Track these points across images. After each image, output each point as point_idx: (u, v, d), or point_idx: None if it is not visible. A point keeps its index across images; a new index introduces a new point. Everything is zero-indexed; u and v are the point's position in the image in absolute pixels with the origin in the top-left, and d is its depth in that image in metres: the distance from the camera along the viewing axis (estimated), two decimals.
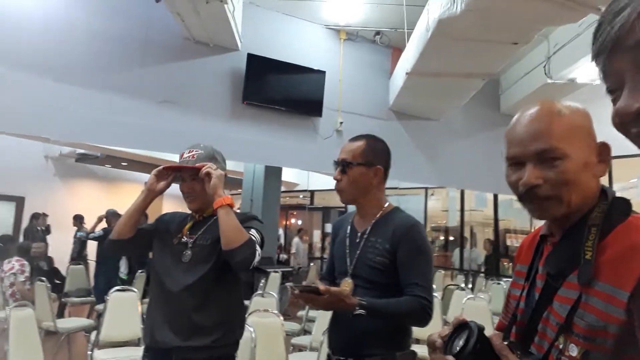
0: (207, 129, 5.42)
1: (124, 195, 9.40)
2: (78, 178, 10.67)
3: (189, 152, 1.83)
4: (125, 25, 5.16)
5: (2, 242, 6.92)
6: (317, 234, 12.08)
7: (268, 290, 5.11)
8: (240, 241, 1.63)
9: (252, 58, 5.65)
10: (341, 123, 6.18)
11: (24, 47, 4.73)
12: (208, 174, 1.73)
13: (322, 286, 1.39)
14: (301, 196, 12.43)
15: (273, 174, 7.40)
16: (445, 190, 9.86)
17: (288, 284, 6.49)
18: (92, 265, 6.41)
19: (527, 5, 3.80)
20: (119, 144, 6.09)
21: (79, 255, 7.40)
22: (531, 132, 0.83)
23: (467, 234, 9.65)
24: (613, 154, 0.85)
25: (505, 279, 6.88)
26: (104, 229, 5.85)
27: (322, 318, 3.49)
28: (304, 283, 1.50)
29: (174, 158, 1.89)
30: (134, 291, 3.77)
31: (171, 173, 1.84)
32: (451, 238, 10.54)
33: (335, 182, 1.67)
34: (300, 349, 3.89)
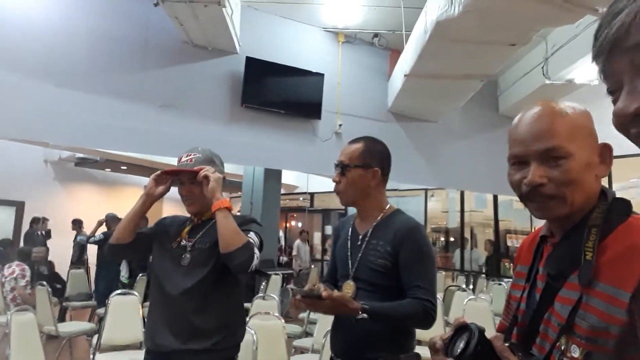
0: (206, 132, 5.43)
1: (123, 199, 9.40)
2: (78, 182, 10.67)
3: (187, 156, 1.83)
4: (124, 30, 5.18)
5: (2, 246, 6.92)
6: (317, 236, 12.08)
7: (269, 292, 5.10)
8: (238, 244, 1.63)
9: (250, 61, 5.66)
10: (340, 125, 6.19)
11: (24, 52, 4.74)
12: (206, 177, 1.73)
13: (324, 292, 1.38)
14: (301, 198, 12.44)
15: (273, 176, 7.40)
16: (445, 192, 9.87)
17: (289, 287, 6.50)
18: (93, 269, 6.41)
19: (525, 7, 3.81)
20: (118, 148, 6.10)
21: (79, 260, 7.40)
22: (535, 131, 0.83)
23: (467, 234, 9.65)
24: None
25: (506, 280, 6.87)
26: (104, 233, 5.85)
27: (324, 320, 3.49)
28: (306, 287, 1.48)
29: (174, 162, 1.90)
30: (135, 295, 3.77)
31: (169, 177, 1.85)
32: (451, 239, 10.54)
33: (334, 184, 1.67)
34: (301, 351, 3.89)
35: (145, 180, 2.00)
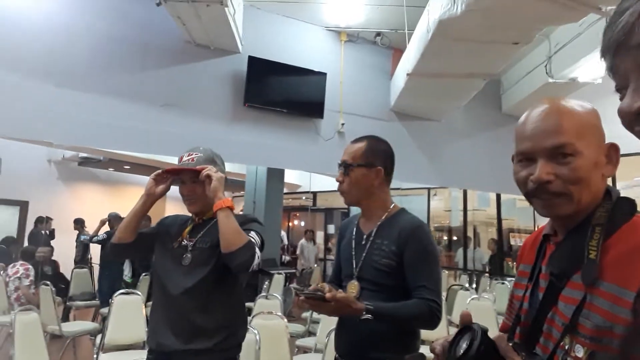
0: (209, 131, 5.43)
1: (126, 198, 9.41)
2: (81, 182, 10.70)
3: (188, 155, 1.83)
4: (127, 29, 5.19)
5: (6, 245, 6.95)
6: (320, 235, 12.07)
7: (272, 292, 5.11)
8: (239, 244, 1.63)
9: (253, 60, 5.66)
10: (343, 124, 6.19)
11: (26, 52, 4.75)
12: (208, 176, 1.73)
13: (328, 293, 1.37)
14: (304, 198, 12.44)
15: (275, 176, 7.40)
16: (448, 191, 9.86)
17: (292, 286, 6.49)
18: (97, 268, 6.43)
19: (528, 5, 3.80)
20: (121, 147, 6.11)
21: (82, 259, 7.42)
22: (544, 127, 0.82)
23: (470, 233, 9.63)
24: None
25: (509, 279, 6.86)
26: (107, 232, 5.86)
27: (327, 320, 3.50)
28: (310, 288, 1.47)
29: (176, 161, 1.90)
30: (138, 294, 3.77)
31: (170, 176, 1.85)
32: (454, 238, 10.53)
33: (338, 184, 1.67)
34: (304, 350, 3.89)
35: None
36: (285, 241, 10.83)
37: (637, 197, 0.85)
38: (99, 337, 3.65)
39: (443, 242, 10.93)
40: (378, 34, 6.40)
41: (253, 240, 1.70)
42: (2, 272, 5.15)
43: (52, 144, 5.39)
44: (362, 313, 1.40)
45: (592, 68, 5.42)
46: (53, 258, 6.52)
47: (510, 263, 8.85)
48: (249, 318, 3.16)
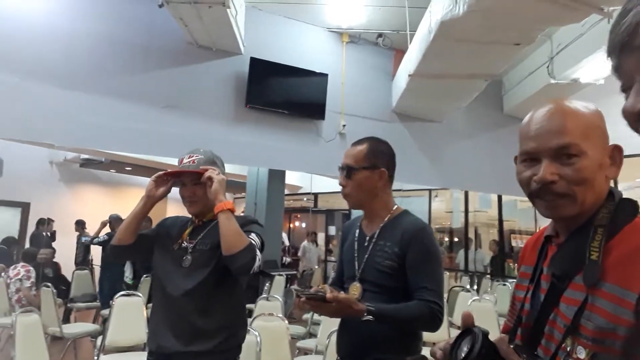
0: (211, 133, 5.44)
1: (128, 200, 9.43)
2: (82, 183, 10.72)
3: (188, 157, 1.82)
4: (128, 31, 5.20)
5: (6, 245, 6.95)
6: (321, 237, 12.06)
7: (273, 293, 5.10)
8: (240, 246, 1.62)
9: (254, 62, 5.67)
10: (344, 126, 6.19)
11: (27, 54, 4.76)
12: (210, 178, 1.73)
13: (329, 294, 1.36)
14: (305, 199, 12.44)
15: (276, 177, 7.40)
16: (449, 192, 9.85)
17: (293, 288, 6.49)
18: (98, 270, 6.43)
19: (530, 6, 3.80)
20: (123, 149, 6.12)
21: (83, 260, 7.43)
22: (549, 127, 0.81)
23: (471, 235, 9.62)
24: None
25: (510, 280, 6.84)
26: (107, 234, 5.86)
27: (328, 321, 3.49)
28: (312, 290, 1.47)
29: (177, 162, 1.90)
30: (139, 296, 3.77)
31: (171, 179, 1.85)
32: (456, 239, 10.52)
33: (340, 186, 1.66)
34: (305, 352, 3.88)
35: None
36: (287, 242, 10.83)
37: (639, 199, 0.84)
38: (99, 338, 3.64)
39: (444, 243, 10.91)
40: (380, 35, 6.40)
41: (254, 242, 1.69)
42: (3, 273, 5.15)
43: (53, 146, 5.40)
44: (363, 314, 1.39)
45: (594, 69, 5.41)
46: (54, 260, 6.52)
47: (511, 264, 8.83)
48: (250, 320, 3.16)
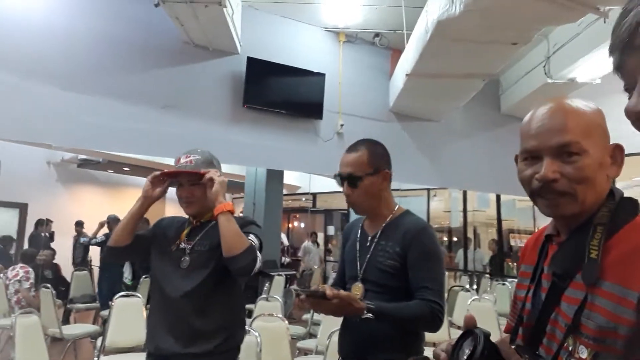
0: (208, 133, 5.43)
1: (126, 201, 9.40)
2: (80, 184, 10.69)
3: (186, 157, 1.81)
4: (125, 31, 5.18)
5: (3, 244, 6.94)
6: (319, 237, 12.08)
7: (272, 294, 5.10)
8: (242, 248, 1.62)
9: (251, 61, 5.66)
10: (342, 125, 6.19)
11: (25, 54, 4.75)
12: (211, 180, 1.72)
13: (329, 291, 1.36)
14: (303, 199, 12.43)
15: (275, 177, 7.40)
16: (448, 191, 9.86)
17: (292, 287, 6.48)
18: (97, 271, 6.42)
19: (526, 5, 3.80)
20: (121, 149, 6.11)
21: (82, 261, 7.42)
22: (550, 126, 0.81)
23: (470, 234, 9.63)
24: None
25: (510, 280, 6.86)
26: (105, 235, 5.85)
27: (328, 321, 3.49)
28: (312, 288, 1.47)
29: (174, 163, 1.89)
30: (138, 297, 3.77)
31: (168, 179, 1.84)
32: (454, 239, 10.53)
33: (345, 196, 1.63)
34: (305, 352, 3.88)
35: None
36: (286, 243, 10.83)
37: (637, 197, 0.85)
38: (99, 339, 3.64)
39: (443, 243, 10.92)
40: (377, 34, 6.41)
41: (253, 243, 1.69)
42: (2, 274, 5.14)
43: (51, 146, 5.39)
44: (363, 312, 1.39)
45: (590, 68, 5.42)
46: (54, 261, 6.52)
47: (510, 264, 8.85)
48: (250, 320, 3.16)
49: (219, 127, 5.57)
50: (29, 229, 8.81)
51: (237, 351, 1.82)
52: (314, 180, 9.97)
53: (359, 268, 1.61)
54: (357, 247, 1.66)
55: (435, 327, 1.48)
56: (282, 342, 3.03)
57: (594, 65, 5.30)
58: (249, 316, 4.01)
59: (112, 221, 6.01)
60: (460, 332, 0.84)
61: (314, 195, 11.60)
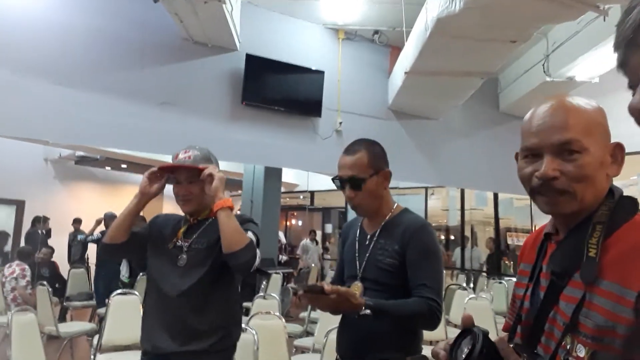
0: (207, 130, 5.41)
1: (124, 198, 9.35)
2: (78, 180, 10.67)
3: (184, 153, 1.80)
4: (123, 27, 5.16)
5: None
6: (317, 235, 12.09)
7: (269, 292, 5.10)
8: (242, 244, 1.62)
9: (250, 58, 5.65)
10: (340, 123, 6.18)
11: (22, 50, 4.72)
12: (210, 175, 1.71)
13: (327, 286, 1.35)
14: (301, 197, 12.43)
15: (273, 174, 7.40)
16: (446, 190, 9.87)
17: (289, 286, 6.46)
18: (94, 268, 6.41)
19: (526, 4, 3.80)
20: (119, 146, 6.10)
21: (80, 259, 7.41)
22: (551, 123, 0.81)
23: (467, 233, 9.65)
24: None
25: (507, 278, 6.87)
26: (102, 232, 5.84)
27: (325, 319, 3.49)
28: (310, 283, 1.46)
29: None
30: (135, 294, 3.76)
31: (165, 174, 1.82)
32: (452, 237, 10.55)
33: (348, 199, 1.61)
34: (302, 350, 3.88)
35: None
36: (283, 240, 10.84)
37: (634, 196, 0.84)
38: (96, 337, 3.63)
39: (441, 241, 10.94)
40: (376, 31, 6.39)
41: (253, 240, 1.69)
42: None
43: (48, 143, 5.37)
44: (361, 308, 1.38)
45: (589, 67, 5.43)
46: (52, 259, 6.51)
47: (507, 262, 8.87)
48: (247, 318, 3.15)
49: (217, 124, 5.55)
50: (26, 226, 8.78)
51: (233, 349, 1.82)
52: (312, 178, 9.97)
53: (358, 267, 1.61)
54: (356, 246, 1.66)
55: (433, 325, 1.48)
56: (279, 340, 3.02)
57: (593, 63, 5.30)
58: (246, 314, 4.01)
59: (109, 218, 6.00)
60: (457, 330, 0.84)
61: (312, 193, 11.60)
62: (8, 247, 8.35)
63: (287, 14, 6.10)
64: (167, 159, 1.90)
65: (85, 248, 7.52)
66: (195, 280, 1.71)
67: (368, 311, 1.38)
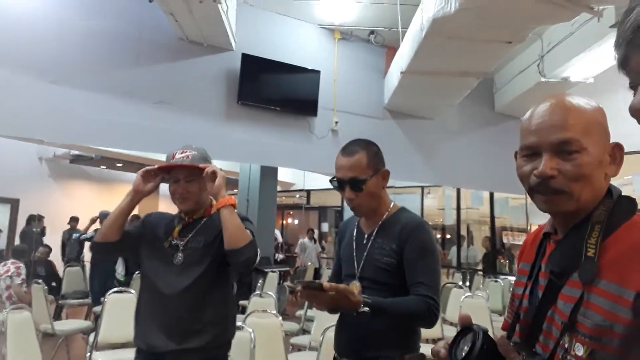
0: (202, 129, 5.41)
1: (119, 197, 9.28)
2: (72, 179, 10.62)
3: (181, 153, 1.80)
4: (119, 25, 5.15)
5: None
6: (315, 233, 12.10)
7: (266, 290, 5.10)
8: (244, 241, 1.64)
9: (246, 58, 5.64)
10: (336, 123, 6.19)
11: (17, 49, 4.70)
12: (214, 172, 1.72)
13: (326, 283, 1.36)
14: (297, 196, 12.44)
15: (269, 174, 7.40)
16: (442, 189, 9.89)
17: (286, 284, 6.47)
18: (89, 266, 6.39)
19: (521, 4, 3.82)
20: (114, 145, 6.08)
21: (77, 257, 7.38)
22: (551, 122, 0.81)
23: (463, 232, 9.67)
24: None
25: (502, 277, 6.90)
26: (95, 230, 5.82)
27: (321, 318, 3.49)
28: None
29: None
30: (131, 292, 3.75)
31: (161, 174, 1.82)
32: (448, 236, 10.58)
33: (348, 200, 1.61)
34: (299, 348, 3.89)
35: None
36: (280, 239, 10.84)
37: (630, 195, 0.85)
38: (92, 335, 3.62)
39: (437, 240, 10.97)
40: (372, 32, 6.40)
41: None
42: None
43: (42, 141, 5.34)
44: (359, 306, 1.38)
45: (584, 67, 5.46)
46: (49, 258, 6.50)
47: (502, 261, 8.90)
48: (244, 316, 3.16)
49: (213, 124, 5.55)
50: (20, 224, 8.74)
51: (228, 345, 1.83)
52: (308, 177, 9.98)
53: (356, 266, 1.61)
54: (354, 245, 1.66)
55: (430, 322, 1.49)
56: (276, 338, 3.03)
57: (588, 64, 5.34)
58: (243, 312, 4.01)
59: (104, 217, 5.96)
60: (453, 328, 0.85)
61: (308, 192, 11.61)
62: (2, 245, 8.32)
63: (283, 14, 6.10)
64: (162, 158, 1.90)
65: (82, 246, 7.49)
66: (192, 279, 1.72)
67: (366, 309, 1.39)
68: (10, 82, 4.62)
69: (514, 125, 7.11)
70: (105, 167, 10.64)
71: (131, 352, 3.30)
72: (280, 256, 10.01)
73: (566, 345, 0.74)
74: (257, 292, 4.43)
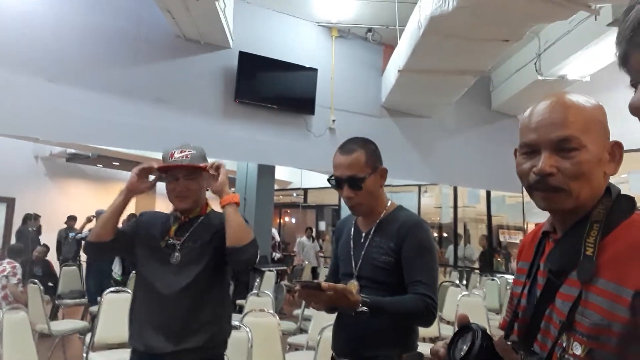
0: (200, 127, 5.40)
1: (115, 195, 9.31)
2: (69, 178, 10.57)
3: (180, 152, 1.79)
4: (116, 23, 5.12)
5: None
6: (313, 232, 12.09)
7: (263, 289, 5.10)
8: (248, 239, 1.65)
9: (243, 56, 5.63)
10: (334, 121, 6.18)
11: (14, 47, 4.68)
12: (218, 168, 1.72)
13: (324, 282, 1.35)
14: (295, 194, 12.43)
15: (266, 172, 7.38)
16: (438, 187, 9.91)
17: (283, 283, 6.45)
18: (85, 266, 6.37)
19: (518, 3, 3.82)
20: (110, 143, 6.05)
21: (75, 256, 7.35)
22: (550, 120, 0.81)
23: (460, 230, 9.69)
24: None
25: (499, 275, 6.91)
26: (91, 229, 5.79)
27: (318, 317, 3.49)
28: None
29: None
30: (128, 292, 3.73)
31: (159, 173, 1.81)
32: (445, 235, 10.60)
33: (347, 198, 1.60)
34: (296, 348, 3.89)
35: None
36: (277, 238, 10.83)
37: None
38: (88, 335, 3.61)
39: (434, 239, 10.99)
40: (369, 29, 6.40)
41: None
42: None
43: (37, 140, 5.31)
44: (358, 305, 1.38)
45: (581, 66, 5.47)
46: (46, 258, 6.47)
47: (499, 259, 8.93)
48: (241, 316, 3.15)
49: (210, 122, 5.54)
50: (17, 223, 8.70)
51: (225, 344, 1.83)
52: (306, 176, 9.96)
53: (353, 265, 1.60)
54: (351, 244, 1.65)
55: (428, 321, 1.49)
56: (273, 337, 3.02)
57: (585, 62, 5.35)
58: (240, 312, 4.00)
59: (100, 216, 5.95)
60: (450, 327, 0.85)
61: (305, 190, 11.61)
62: None
63: (280, 12, 6.09)
64: (159, 156, 1.88)
65: (79, 246, 7.46)
66: (191, 279, 1.71)
67: (365, 308, 1.38)
68: (7, 80, 4.59)
69: (511, 123, 7.12)
70: (101, 165, 10.60)
71: (128, 353, 3.29)
72: (277, 255, 10.01)
73: (564, 344, 0.74)
74: (255, 291, 4.42)
